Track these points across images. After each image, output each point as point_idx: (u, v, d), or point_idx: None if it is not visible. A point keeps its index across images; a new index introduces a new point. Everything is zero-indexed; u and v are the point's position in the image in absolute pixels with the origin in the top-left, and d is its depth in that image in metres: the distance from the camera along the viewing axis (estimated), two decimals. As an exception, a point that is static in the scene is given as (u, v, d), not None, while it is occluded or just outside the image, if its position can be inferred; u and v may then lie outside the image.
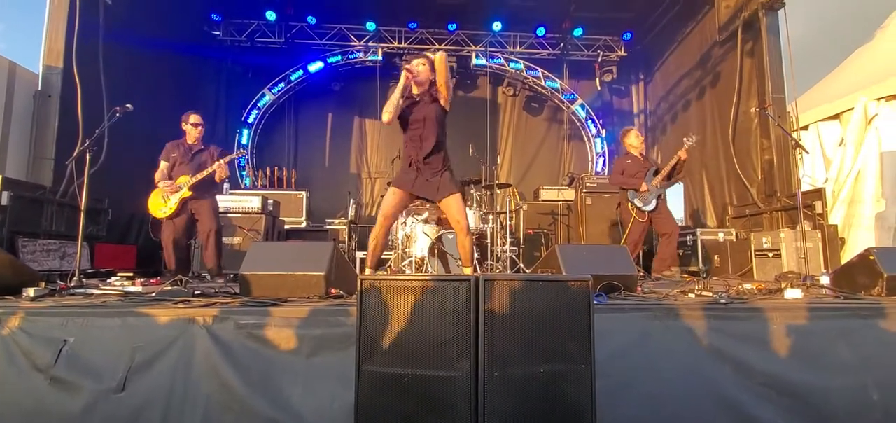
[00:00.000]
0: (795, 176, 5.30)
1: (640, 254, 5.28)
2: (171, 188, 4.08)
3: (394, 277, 1.77)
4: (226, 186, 4.54)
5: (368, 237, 3.39)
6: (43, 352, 2.04)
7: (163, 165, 4.22)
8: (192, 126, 4.30)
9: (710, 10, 6.80)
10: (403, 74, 3.16)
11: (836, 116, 5.73)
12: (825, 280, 3.39)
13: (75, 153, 3.70)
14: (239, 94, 8.30)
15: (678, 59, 7.89)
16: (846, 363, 2.10)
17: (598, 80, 8.71)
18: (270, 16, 7.86)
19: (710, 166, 6.98)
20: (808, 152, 5.40)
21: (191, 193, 4.13)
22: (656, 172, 4.86)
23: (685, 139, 4.83)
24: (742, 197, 6.23)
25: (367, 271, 3.37)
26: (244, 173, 8.12)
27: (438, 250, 4.93)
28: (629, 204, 4.90)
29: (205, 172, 4.12)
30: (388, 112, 3.16)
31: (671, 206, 5.17)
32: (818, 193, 5.09)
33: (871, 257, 2.81)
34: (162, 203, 4.10)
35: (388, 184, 3.39)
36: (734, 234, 6.03)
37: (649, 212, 4.84)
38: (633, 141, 5.09)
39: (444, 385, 1.48)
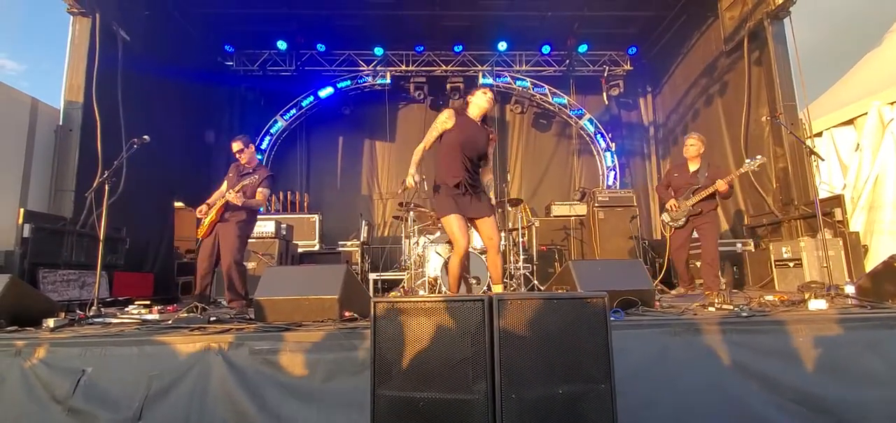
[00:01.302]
0: (812, 183, 5.20)
1: (672, 269, 5.09)
2: (202, 212, 4.09)
3: (407, 298, 1.76)
4: (260, 207, 4.42)
5: (450, 267, 3.27)
6: (61, 382, 2.06)
7: (224, 185, 4.16)
8: (235, 153, 4.25)
9: (715, 20, 6.80)
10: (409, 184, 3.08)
11: (850, 122, 5.64)
12: (850, 289, 3.29)
13: (95, 185, 3.81)
14: (252, 121, 8.47)
15: (685, 70, 7.88)
16: (880, 375, 2.02)
17: (605, 94, 8.72)
18: (281, 45, 8.07)
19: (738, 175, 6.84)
20: (823, 159, 5.30)
21: (215, 216, 4.06)
22: (697, 191, 4.50)
23: (748, 162, 4.43)
24: (758, 206, 6.13)
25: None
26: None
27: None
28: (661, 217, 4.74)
29: (220, 201, 4.03)
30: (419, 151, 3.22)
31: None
32: (837, 200, 4.98)
33: (897, 265, 2.73)
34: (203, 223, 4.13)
35: (446, 214, 3.20)
36: (752, 244, 5.90)
37: (678, 229, 4.56)
38: (685, 149, 4.68)
39: (460, 409, 1.46)
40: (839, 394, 1.99)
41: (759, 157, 4.41)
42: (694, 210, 4.46)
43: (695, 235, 4.61)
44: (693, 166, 4.61)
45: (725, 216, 6.87)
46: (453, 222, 3.14)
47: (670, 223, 4.61)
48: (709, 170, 4.55)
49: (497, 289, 3.40)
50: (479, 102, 3.29)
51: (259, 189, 4.10)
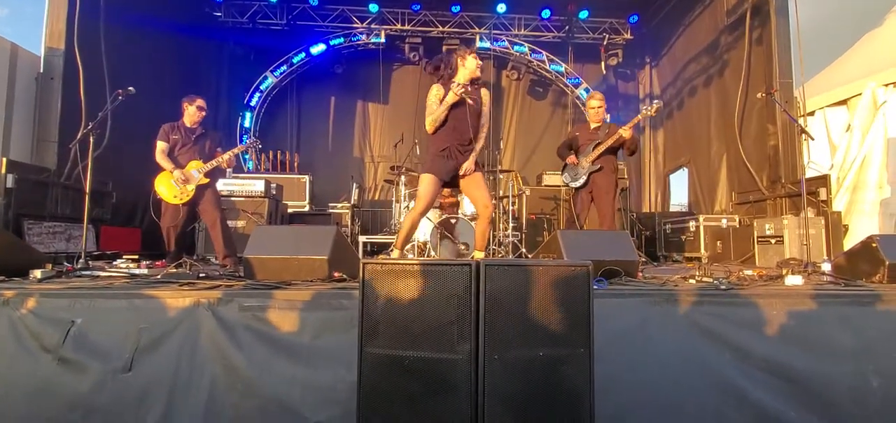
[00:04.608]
0: (800, 162, 5.25)
1: None
2: (184, 178, 3.99)
3: (396, 261, 1.79)
4: (228, 170, 4.49)
5: (402, 222, 3.41)
6: (51, 333, 2.07)
7: (162, 145, 4.06)
8: (196, 109, 4.14)
9: (719, -9, 6.67)
10: (456, 93, 3.18)
11: (842, 102, 5.66)
12: (826, 267, 3.39)
13: (78, 136, 3.72)
14: (241, 76, 8.25)
15: (686, 43, 7.77)
16: (847, 349, 2.11)
17: (603, 63, 8.60)
18: (272, -3, 7.78)
19: (729, 151, 6.82)
20: (813, 139, 5.34)
21: (207, 180, 4.05)
22: (598, 145, 4.32)
23: (644, 108, 4.47)
24: (747, 183, 6.20)
25: (395, 252, 3.46)
26: (247, 157, 8.13)
27: (441, 234, 4.95)
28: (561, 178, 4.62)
29: (218, 161, 4.07)
30: (433, 124, 3.30)
31: (674, 190, 5.07)
32: (823, 180, 5.06)
33: (874, 245, 2.80)
34: (174, 189, 4.02)
35: (424, 172, 3.38)
36: (737, 220, 6.01)
37: (579, 189, 4.42)
38: (589, 111, 4.55)
39: (445, 367, 1.51)
40: (807, 365, 2.08)
41: (656, 101, 4.47)
42: (595, 166, 4.30)
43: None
44: (594, 125, 4.47)
45: (729, 191, 6.82)
46: (426, 180, 3.32)
47: (570, 183, 4.50)
48: (610, 127, 4.39)
49: (478, 256, 3.46)
50: (469, 67, 3.33)
51: (230, 152, 4.22)
